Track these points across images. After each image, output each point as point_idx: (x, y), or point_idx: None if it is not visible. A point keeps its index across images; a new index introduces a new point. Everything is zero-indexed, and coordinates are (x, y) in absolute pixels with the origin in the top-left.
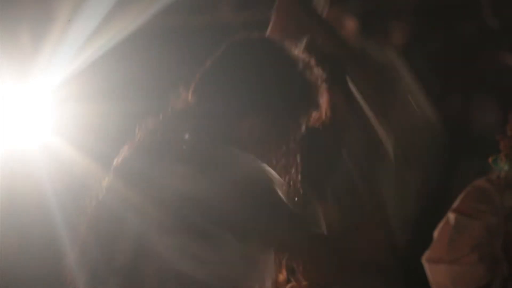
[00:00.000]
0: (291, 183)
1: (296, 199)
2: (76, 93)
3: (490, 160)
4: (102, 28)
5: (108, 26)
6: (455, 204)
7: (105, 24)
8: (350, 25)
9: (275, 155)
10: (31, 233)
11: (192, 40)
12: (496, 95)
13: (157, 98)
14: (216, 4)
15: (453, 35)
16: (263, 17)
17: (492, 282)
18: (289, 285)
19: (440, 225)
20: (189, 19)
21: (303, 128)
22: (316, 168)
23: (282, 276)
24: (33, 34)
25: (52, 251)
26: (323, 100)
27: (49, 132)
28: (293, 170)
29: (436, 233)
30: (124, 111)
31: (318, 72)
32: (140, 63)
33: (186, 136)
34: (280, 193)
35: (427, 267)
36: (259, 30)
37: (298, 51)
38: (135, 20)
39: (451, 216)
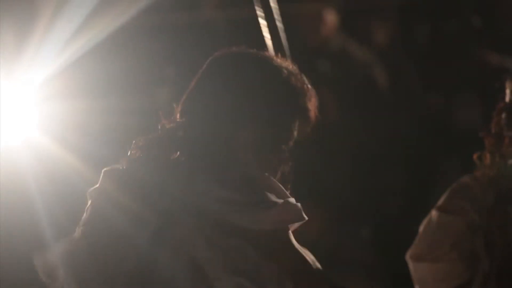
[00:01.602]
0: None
1: None
2: (61, 90)
3: (475, 157)
4: (86, 26)
5: (92, 23)
6: (439, 201)
7: (89, 21)
8: (330, 20)
9: (271, 164)
10: (15, 230)
11: (176, 38)
12: (479, 92)
13: (140, 95)
14: (200, 2)
15: (436, 33)
16: (246, 15)
17: (473, 279)
18: None
19: (424, 223)
20: (172, 17)
21: (295, 134)
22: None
23: None
24: (17, 31)
25: (37, 249)
26: (311, 104)
27: (33, 129)
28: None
29: (419, 231)
30: (108, 108)
31: (302, 78)
32: (124, 61)
33: (177, 154)
34: None
35: (410, 264)
36: (243, 29)
37: (280, 59)
38: (119, 17)
39: (433, 213)
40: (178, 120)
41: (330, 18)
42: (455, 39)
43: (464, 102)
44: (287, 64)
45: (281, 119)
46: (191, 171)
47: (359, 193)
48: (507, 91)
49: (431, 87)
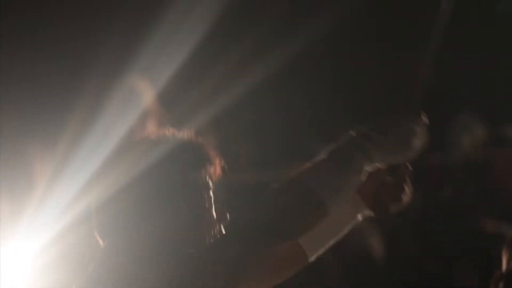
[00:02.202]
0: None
1: None
2: (58, 259)
3: None
4: (82, 193)
5: (89, 190)
6: None
7: (85, 189)
8: None
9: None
10: None
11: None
12: (476, 260)
13: None
14: None
15: (433, 199)
16: None
17: None
18: None
19: None
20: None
21: (211, 183)
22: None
23: None
24: (13, 199)
25: None
26: (213, 154)
27: None
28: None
29: None
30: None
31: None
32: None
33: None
34: None
35: None
36: None
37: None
38: (114, 186)
39: None
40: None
41: None
42: (451, 206)
43: (461, 270)
44: (185, 134)
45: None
46: None
47: None
48: (504, 259)
49: (427, 254)
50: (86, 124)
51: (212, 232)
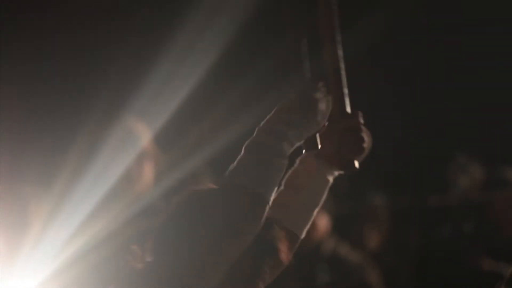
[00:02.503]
0: None
1: None
2: None
3: None
4: (78, 232)
5: (84, 229)
6: None
7: (81, 228)
8: (322, 224)
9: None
10: None
11: None
12: None
13: None
14: None
15: (430, 238)
16: None
17: None
18: None
19: None
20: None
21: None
22: None
23: None
24: (9, 238)
25: None
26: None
27: None
28: None
29: None
30: None
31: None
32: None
33: None
34: None
35: None
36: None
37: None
38: (112, 223)
39: None
40: (147, 260)
41: (322, 222)
42: (448, 245)
43: None
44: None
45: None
46: None
47: None
48: None
49: None
50: (82, 164)
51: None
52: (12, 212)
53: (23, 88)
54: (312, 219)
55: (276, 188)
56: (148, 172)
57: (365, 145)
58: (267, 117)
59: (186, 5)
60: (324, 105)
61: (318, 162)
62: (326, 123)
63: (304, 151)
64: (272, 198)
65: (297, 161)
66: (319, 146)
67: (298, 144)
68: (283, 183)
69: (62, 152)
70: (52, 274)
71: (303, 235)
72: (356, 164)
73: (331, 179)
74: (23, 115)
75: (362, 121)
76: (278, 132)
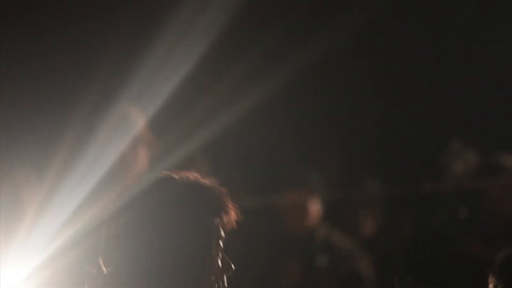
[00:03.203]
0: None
1: None
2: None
3: None
4: (71, 220)
5: (79, 215)
6: None
7: (73, 217)
8: (315, 211)
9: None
10: None
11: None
12: (467, 284)
13: None
14: None
15: (424, 224)
16: None
17: None
18: None
19: None
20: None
21: (223, 232)
22: None
23: None
24: (1, 226)
25: None
26: (228, 202)
27: None
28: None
29: None
30: None
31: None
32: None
33: None
34: None
35: None
36: None
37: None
38: (106, 209)
39: None
40: (104, 272)
41: (315, 208)
42: (442, 231)
43: None
44: (206, 181)
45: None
46: None
47: None
48: (491, 284)
49: (418, 279)
50: (77, 150)
51: (215, 280)
52: (5, 200)
53: (16, 75)
54: None
55: None
56: (142, 158)
57: None
58: None
59: None
60: None
61: None
62: None
63: None
64: None
65: None
66: None
67: None
68: None
69: (56, 139)
70: (45, 261)
71: None
72: None
73: None
74: (17, 101)
75: None
76: None
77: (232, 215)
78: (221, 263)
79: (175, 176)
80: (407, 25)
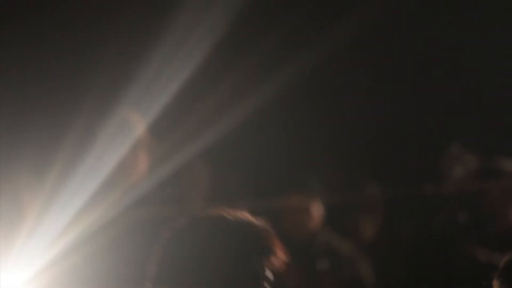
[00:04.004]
0: None
1: None
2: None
3: None
4: (72, 224)
5: (78, 221)
6: None
7: (75, 220)
8: (315, 214)
9: None
10: None
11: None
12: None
13: None
14: (186, 196)
15: (424, 227)
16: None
17: None
18: None
19: None
20: (160, 211)
21: (270, 275)
22: None
23: None
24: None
25: None
26: (276, 244)
27: None
28: None
29: None
30: None
31: (263, 223)
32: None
33: None
34: None
35: None
36: None
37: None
38: (106, 213)
39: None
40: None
41: (316, 212)
42: (443, 234)
43: None
44: (245, 215)
45: (251, 267)
46: None
47: None
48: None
49: (419, 282)
50: (77, 155)
51: None
52: (5, 204)
53: (17, 79)
54: None
55: None
56: (142, 162)
57: None
58: None
59: None
60: None
61: None
62: None
63: None
64: None
65: None
66: None
67: None
68: None
69: (57, 143)
70: (46, 265)
71: None
72: None
73: None
74: (18, 105)
75: None
76: None
77: (280, 256)
78: None
79: (227, 215)
80: (407, 28)
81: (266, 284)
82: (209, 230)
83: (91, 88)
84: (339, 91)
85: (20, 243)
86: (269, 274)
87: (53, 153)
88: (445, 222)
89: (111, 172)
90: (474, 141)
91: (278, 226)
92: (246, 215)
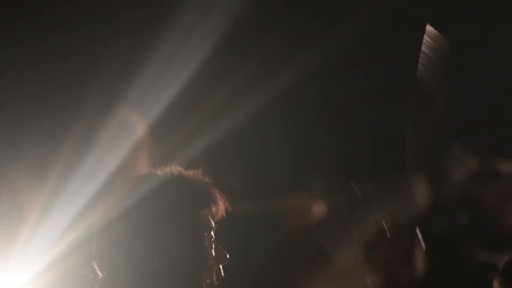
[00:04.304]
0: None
1: None
2: None
3: None
4: (72, 227)
5: (78, 224)
6: None
7: (74, 223)
8: (316, 215)
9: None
10: None
11: None
12: None
13: None
14: None
15: (424, 229)
16: None
17: None
18: None
19: None
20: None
21: (213, 223)
22: None
23: None
24: (3, 232)
25: None
26: (217, 194)
27: None
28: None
29: None
30: None
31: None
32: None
33: None
34: None
35: None
36: None
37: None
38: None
39: None
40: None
41: (317, 212)
42: (443, 236)
43: None
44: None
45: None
46: None
47: None
48: None
49: (420, 284)
50: (77, 156)
51: (211, 272)
52: (6, 205)
53: (17, 79)
54: None
55: None
56: (143, 163)
57: (416, 262)
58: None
59: None
60: (421, 198)
61: (363, 264)
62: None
63: None
64: None
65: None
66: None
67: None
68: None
69: (57, 143)
70: (46, 267)
71: None
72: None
73: (368, 282)
74: (18, 107)
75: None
76: (372, 206)
77: (220, 204)
78: (215, 253)
79: (159, 173)
80: (407, 28)
81: (212, 234)
82: (146, 194)
83: (92, 88)
84: (340, 93)
85: (20, 244)
86: (213, 223)
87: (53, 153)
88: (446, 223)
89: (112, 174)
90: (476, 143)
91: (279, 226)
92: (179, 170)
